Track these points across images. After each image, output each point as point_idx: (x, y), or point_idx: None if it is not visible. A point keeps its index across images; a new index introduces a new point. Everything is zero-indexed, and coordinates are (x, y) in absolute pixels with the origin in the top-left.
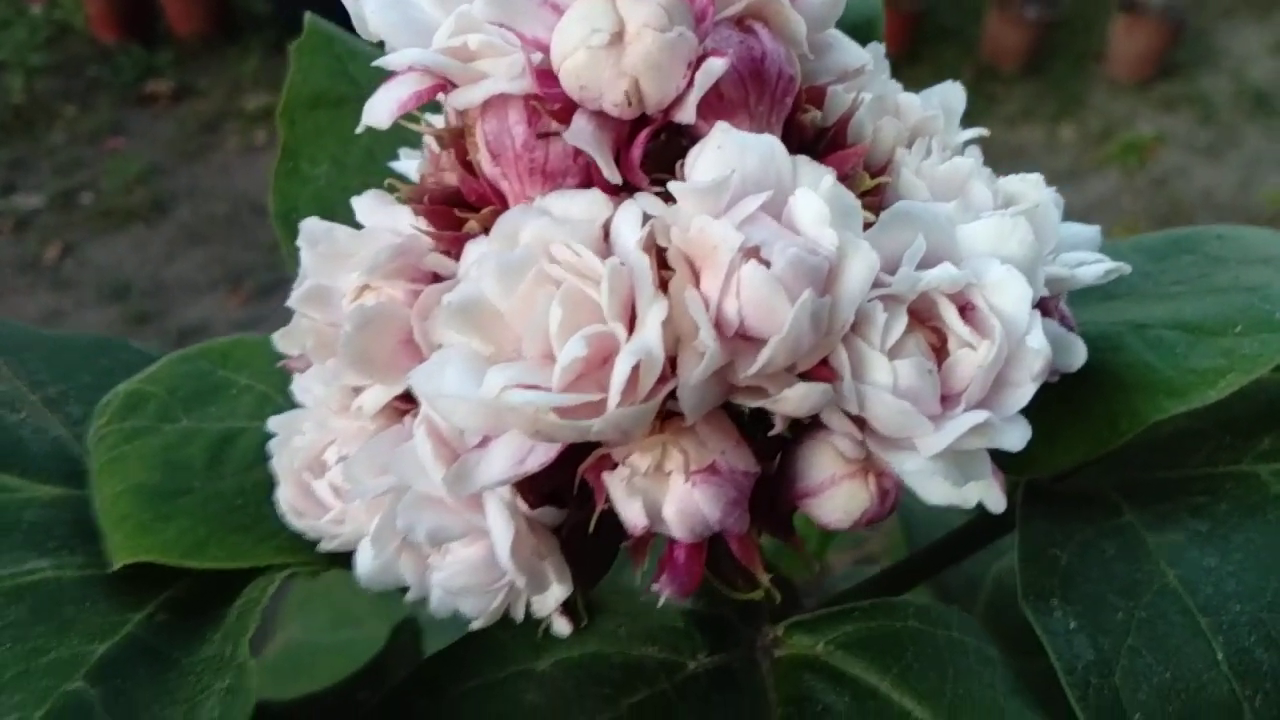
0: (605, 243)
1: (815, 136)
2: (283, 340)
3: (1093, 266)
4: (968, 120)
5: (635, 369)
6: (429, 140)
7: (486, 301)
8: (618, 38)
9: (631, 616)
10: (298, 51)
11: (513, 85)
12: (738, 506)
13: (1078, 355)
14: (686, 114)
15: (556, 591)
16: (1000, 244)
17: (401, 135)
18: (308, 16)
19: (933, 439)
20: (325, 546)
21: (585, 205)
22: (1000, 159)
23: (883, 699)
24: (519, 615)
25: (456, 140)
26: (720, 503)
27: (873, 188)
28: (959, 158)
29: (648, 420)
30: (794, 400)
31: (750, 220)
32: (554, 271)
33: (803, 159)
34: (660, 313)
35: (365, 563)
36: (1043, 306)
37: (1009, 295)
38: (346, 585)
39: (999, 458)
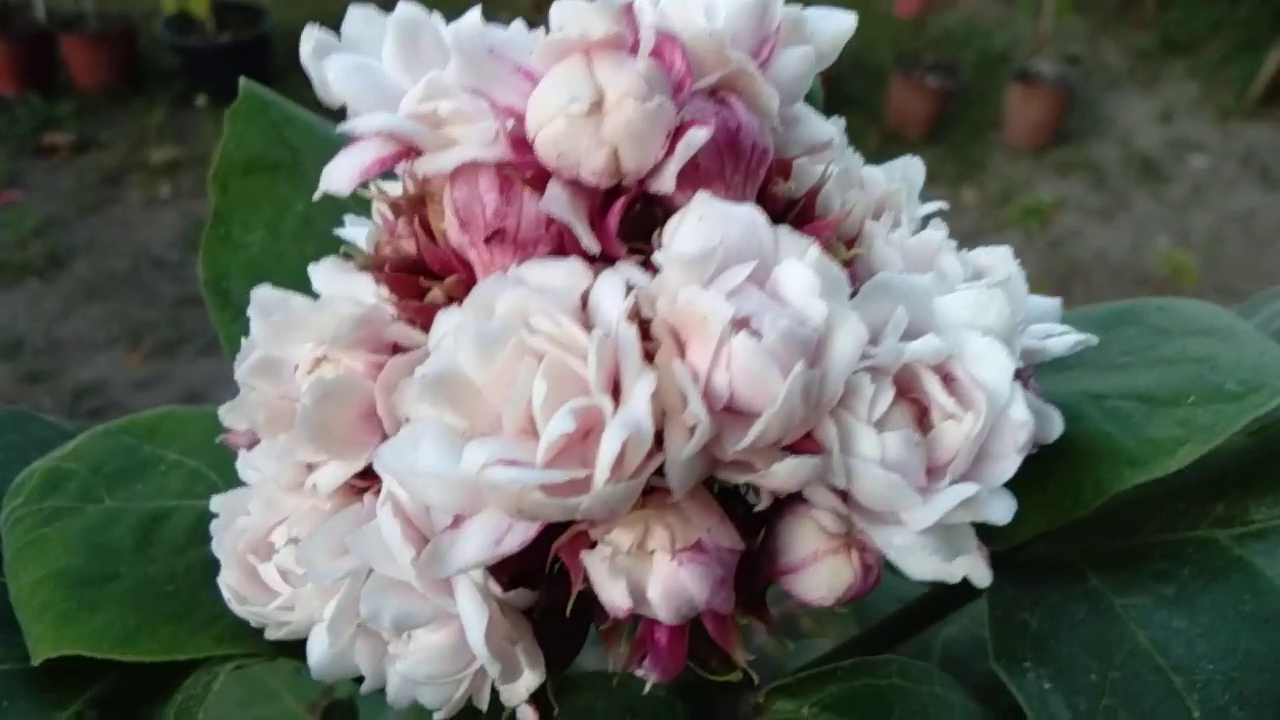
0: (584, 313)
1: (785, 208)
2: (229, 414)
3: (1061, 338)
4: None
5: (624, 444)
6: (381, 208)
7: (462, 374)
8: (597, 106)
9: (605, 691)
10: (232, 116)
11: (485, 152)
12: (724, 586)
13: (1055, 426)
14: (665, 184)
15: (529, 679)
16: (978, 315)
17: (338, 203)
18: (243, 82)
19: (921, 512)
20: (272, 635)
21: (564, 275)
22: None
23: None
24: (483, 703)
25: (416, 207)
26: (707, 582)
27: (848, 259)
28: (929, 230)
29: (634, 496)
30: (783, 475)
31: (738, 291)
32: (534, 343)
33: (784, 230)
34: (648, 385)
35: (319, 651)
36: (1018, 377)
37: (991, 367)
38: None
39: None
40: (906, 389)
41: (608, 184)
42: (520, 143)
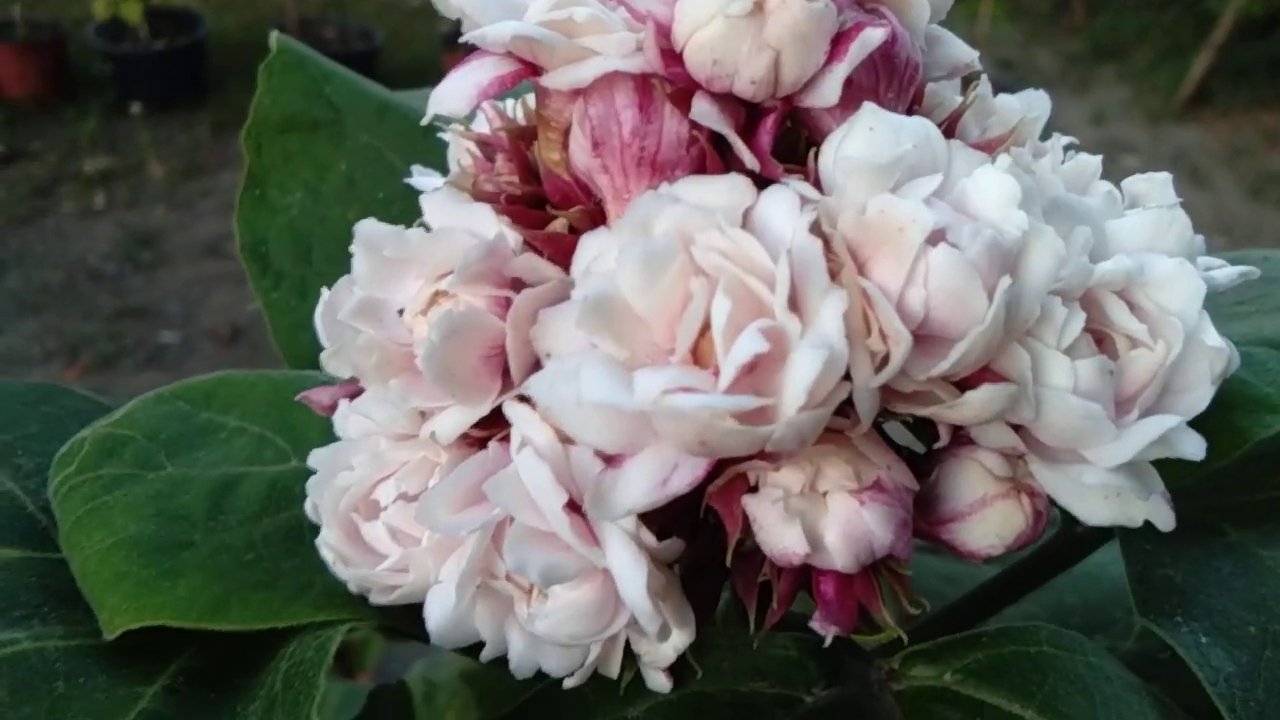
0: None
1: None
2: (333, 360)
3: (1227, 269)
4: None
5: (821, 367)
6: (466, 149)
7: (622, 298)
8: (759, 7)
9: (734, 650)
10: (266, 71)
11: (627, 63)
12: (906, 528)
13: (1234, 358)
14: (825, 95)
15: (677, 639)
16: (1157, 239)
17: (384, 162)
18: (276, 35)
19: (1114, 448)
20: (379, 599)
21: (725, 191)
22: None
23: None
24: (613, 670)
25: (526, 139)
26: (891, 523)
27: None
28: (1085, 154)
29: (822, 426)
30: (976, 405)
31: (928, 203)
32: (706, 260)
33: (957, 144)
34: (839, 304)
35: (440, 614)
36: None
37: (1181, 291)
38: None
39: None
40: (1089, 318)
41: (764, 95)
42: (667, 52)
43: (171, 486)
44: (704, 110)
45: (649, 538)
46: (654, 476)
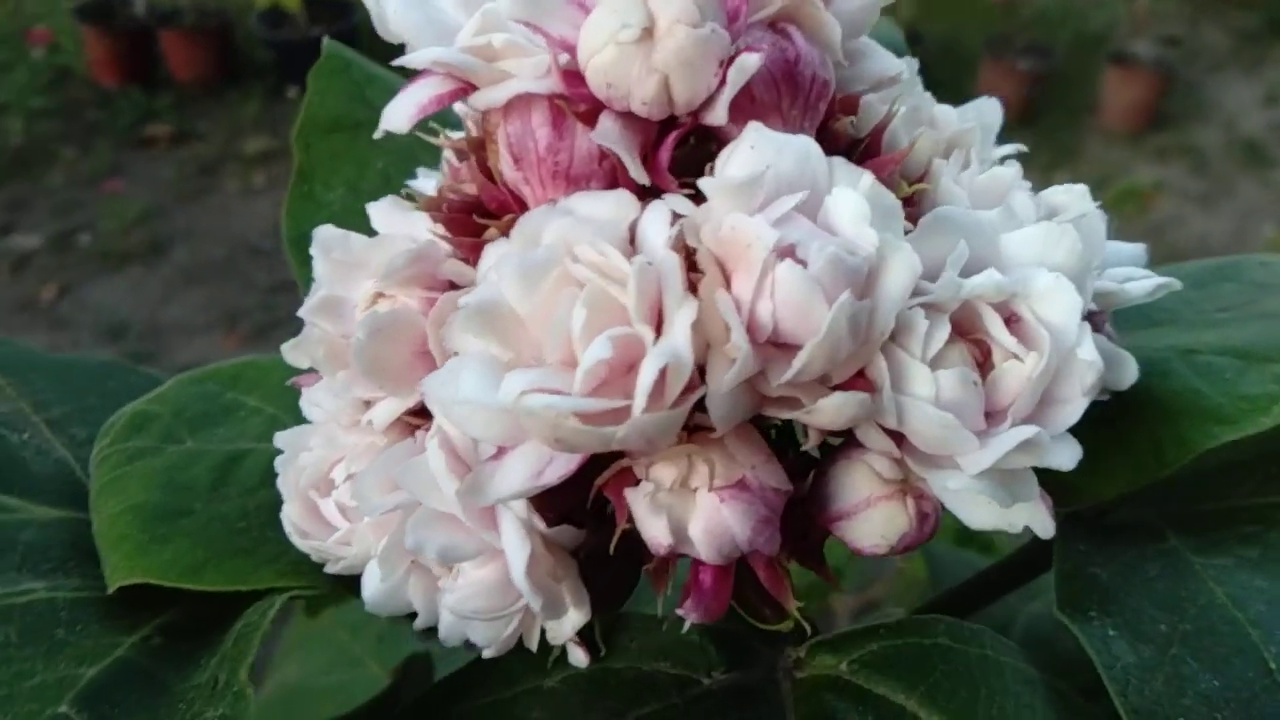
0: (631, 246)
1: (849, 145)
2: (292, 352)
3: (1141, 282)
4: None
5: (663, 373)
6: (448, 155)
7: (506, 304)
8: (648, 33)
9: (644, 631)
10: (315, 75)
11: (538, 85)
12: (769, 526)
13: (1128, 372)
14: (718, 114)
15: (573, 617)
16: (1047, 252)
17: (416, 160)
18: (325, 41)
19: (978, 456)
20: (331, 569)
21: (612, 205)
22: None
23: (909, 718)
24: (533, 643)
25: (478, 150)
26: (750, 521)
27: (909, 195)
28: (999, 167)
29: (674, 428)
30: (829, 411)
31: (785, 219)
32: (578, 272)
33: (839, 160)
34: (689, 314)
35: (372, 585)
36: (1090, 322)
37: (1058, 305)
38: (346, 626)
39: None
40: (969, 329)
41: (659, 115)
42: (572, 75)
43: (186, 459)
44: (605, 129)
45: (540, 524)
46: (530, 469)
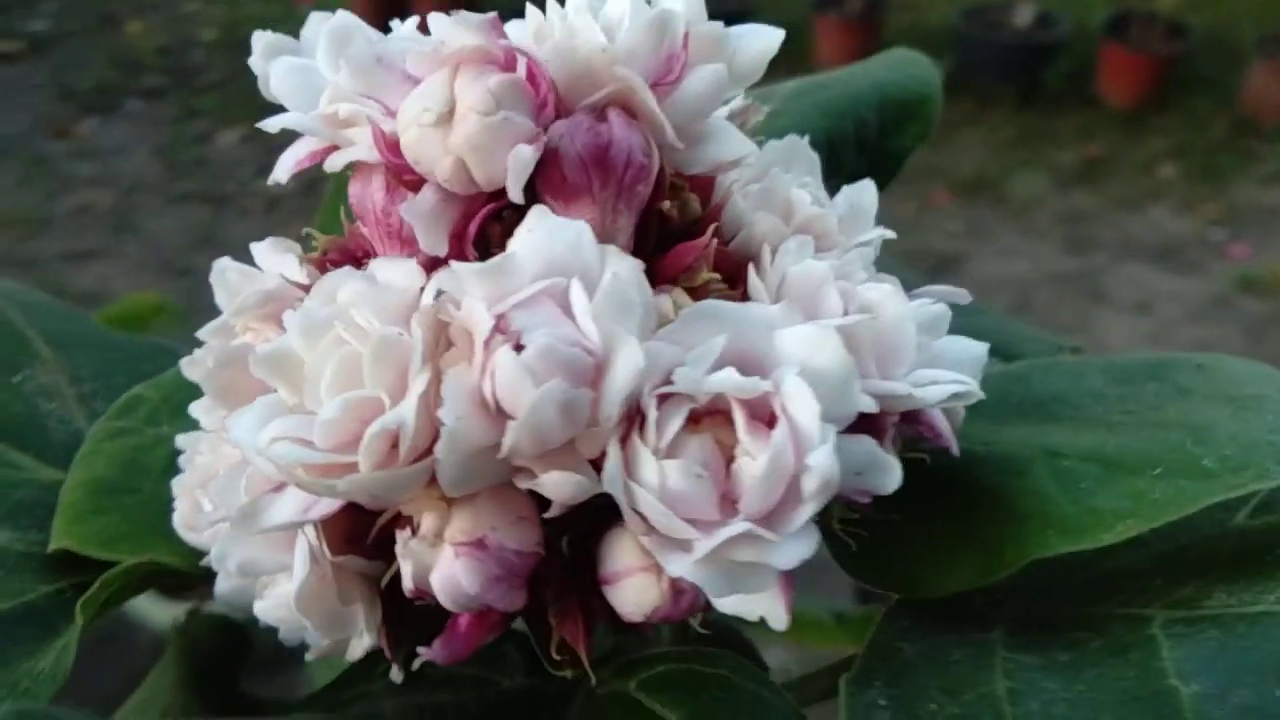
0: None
1: (685, 227)
2: (187, 367)
3: (937, 388)
4: (1219, 178)
5: (392, 437)
6: None
7: (294, 354)
8: (446, 117)
9: None
10: None
11: (369, 154)
12: (501, 584)
13: (891, 479)
14: (514, 194)
15: (364, 640)
16: (812, 354)
17: None
18: None
19: (699, 545)
20: (203, 562)
21: (404, 274)
22: (1250, 222)
23: None
24: (355, 655)
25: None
26: (479, 578)
27: (703, 284)
28: (812, 261)
29: (403, 487)
30: (549, 487)
31: (527, 304)
32: (346, 334)
33: (612, 249)
34: (421, 385)
35: (220, 584)
36: (876, 424)
37: (799, 408)
38: None
39: (876, 573)
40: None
41: (465, 191)
42: (395, 147)
43: (154, 443)
44: (421, 200)
45: (326, 551)
46: (300, 504)
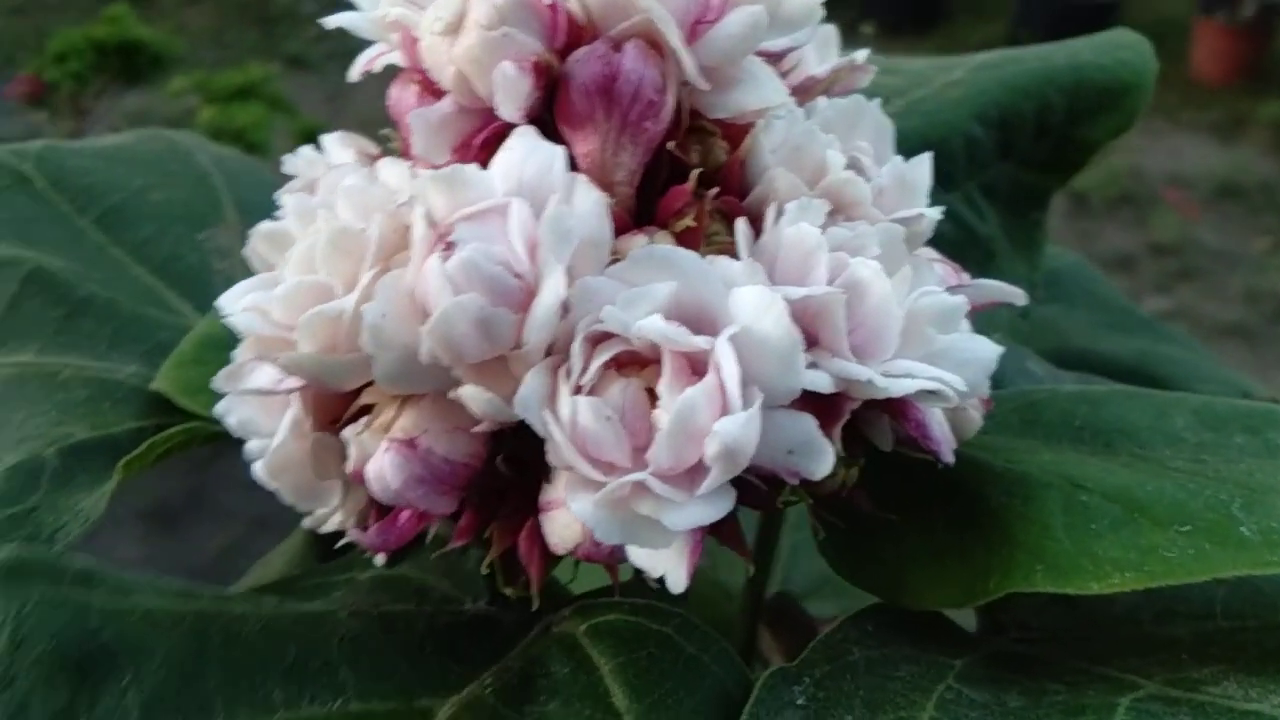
0: None
1: (711, 172)
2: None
3: (907, 381)
4: None
5: (333, 324)
6: None
7: (289, 235)
8: (454, 27)
9: (452, 555)
10: None
11: (394, 57)
12: (424, 485)
13: (822, 463)
14: (503, 113)
15: (337, 517)
16: (756, 318)
17: None
18: None
19: (602, 488)
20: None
21: (398, 175)
22: None
23: (595, 677)
24: (327, 529)
25: None
26: (402, 476)
27: (698, 233)
28: (806, 226)
29: (339, 374)
30: (465, 398)
31: (477, 218)
32: (323, 224)
33: (581, 179)
34: (366, 279)
35: (250, 444)
36: (832, 406)
37: (724, 370)
38: None
39: (860, 571)
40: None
41: (470, 104)
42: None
43: None
44: (437, 109)
45: (306, 425)
46: (275, 375)
